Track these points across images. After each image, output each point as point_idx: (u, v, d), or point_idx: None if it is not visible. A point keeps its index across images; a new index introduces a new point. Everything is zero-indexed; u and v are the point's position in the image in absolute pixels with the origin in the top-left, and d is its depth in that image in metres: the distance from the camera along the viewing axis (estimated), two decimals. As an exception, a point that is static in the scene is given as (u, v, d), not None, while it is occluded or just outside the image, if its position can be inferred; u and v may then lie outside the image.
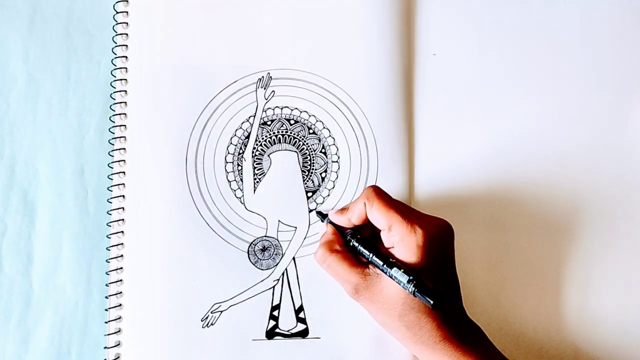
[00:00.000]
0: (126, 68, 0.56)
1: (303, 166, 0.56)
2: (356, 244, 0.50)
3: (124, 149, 0.55)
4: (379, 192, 0.50)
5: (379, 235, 0.50)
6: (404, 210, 0.49)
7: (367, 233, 0.52)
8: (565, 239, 0.57)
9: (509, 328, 0.55)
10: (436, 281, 0.47)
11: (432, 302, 0.44)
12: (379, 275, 0.48)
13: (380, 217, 0.48)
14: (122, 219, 0.54)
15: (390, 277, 0.47)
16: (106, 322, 0.53)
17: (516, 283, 0.56)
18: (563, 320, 0.56)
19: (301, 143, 0.56)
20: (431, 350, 0.47)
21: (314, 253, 0.53)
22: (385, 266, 0.47)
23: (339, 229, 0.52)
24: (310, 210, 0.55)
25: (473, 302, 0.55)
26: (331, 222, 0.53)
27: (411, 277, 0.45)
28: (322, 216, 0.54)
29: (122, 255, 0.54)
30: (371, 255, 0.49)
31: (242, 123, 0.56)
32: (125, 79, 0.56)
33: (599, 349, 0.55)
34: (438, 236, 0.48)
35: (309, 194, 0.55)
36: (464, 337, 0.48)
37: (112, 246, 0.54)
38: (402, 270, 0.46)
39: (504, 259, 0.56)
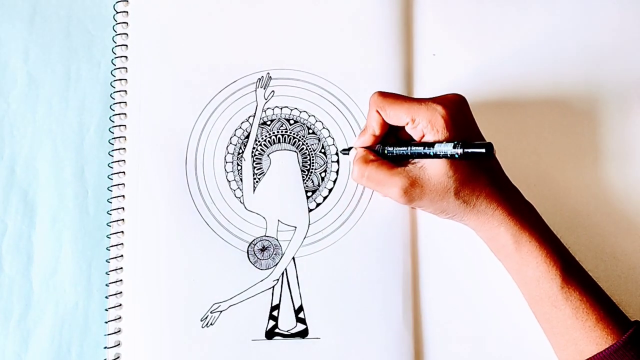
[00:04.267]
0: (126, 68, 0.56)
1: (303, 166, 0.56)
2: (390, 148, 0.51)
3: (124, 149, 0.55)
4: (384, 94, 0.50)
5: (405, 140, 0.51)
6: (417, 99, 0.50)
7: (392, 140, 0.52)
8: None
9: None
10: None
11: (484, 150, 0.45)
12: (422, 167, 0.49)
13: (400, 113, 0.49)
14: (122, 219, 0.54)
15: (436, 155, 0.47)
16: (106, 322, 0.53)
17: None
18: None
19: (301, 143, 0.56)
20: (490, 218, 0.49)
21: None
22: (426, 148, 0.48)
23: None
24: (310, 210, 0.55)
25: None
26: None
27: (456, 142, 0.46)
28: (347, 150, 0.55)
29: (122, 255, 0.54)
30: (409, 148, 0.49)
31: (241, 123, 0.56)
32: (125, 79, 0.56)
33: None
34: (457, 108, 0.49)
35: (309, 194, 0.55)
36: (518, 207, 0.49)
37: (112, 246, 0.54)
38: (444, 141, 0.47)
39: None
